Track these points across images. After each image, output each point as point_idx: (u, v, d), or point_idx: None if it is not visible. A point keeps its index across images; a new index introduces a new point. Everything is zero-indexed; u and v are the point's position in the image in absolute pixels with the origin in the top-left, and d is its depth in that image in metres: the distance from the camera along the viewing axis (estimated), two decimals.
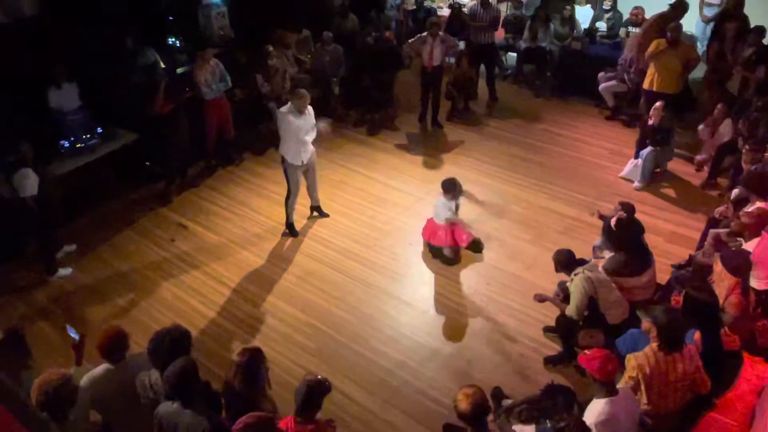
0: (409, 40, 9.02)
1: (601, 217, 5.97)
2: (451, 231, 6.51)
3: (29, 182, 5.96)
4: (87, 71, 7.52)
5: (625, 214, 5.42)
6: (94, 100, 7.61)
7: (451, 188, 6.52)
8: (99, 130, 7.46)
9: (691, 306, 4.39)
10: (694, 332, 4.42)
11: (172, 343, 3.83)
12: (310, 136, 6.63)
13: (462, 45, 10.36)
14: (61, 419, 3.41)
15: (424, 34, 8.73)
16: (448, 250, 6.55)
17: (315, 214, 7.41)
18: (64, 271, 6.59)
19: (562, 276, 5.55)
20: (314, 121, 6.65)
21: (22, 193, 5.95)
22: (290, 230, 7.12)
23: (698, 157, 8.05)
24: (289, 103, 6.52)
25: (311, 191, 7.21)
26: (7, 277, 6.53)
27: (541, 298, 5.49)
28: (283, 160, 6.76)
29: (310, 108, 6.60)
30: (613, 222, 5.34)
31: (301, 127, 6.49)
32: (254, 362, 3.81)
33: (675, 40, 7.87)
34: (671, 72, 8.00)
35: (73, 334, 4.20)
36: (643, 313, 4.30)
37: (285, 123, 6.47)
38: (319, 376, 3.78)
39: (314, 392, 3.66)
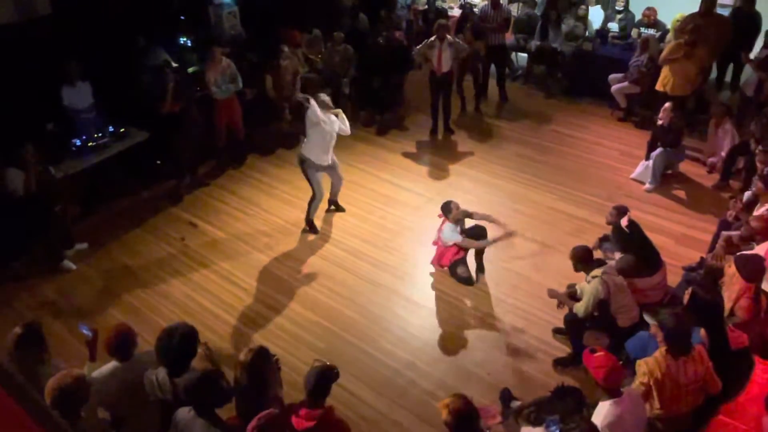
0: (417, 47, 8.94)
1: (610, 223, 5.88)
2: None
3: (9, 181, 5.99)
4: (99, 70, 7.56)
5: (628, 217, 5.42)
6: (106, 98, 7.65)
7: (447, 210, 6.14)
8: (111, 128, 7.49)
9: (696, 304, 4.38)
10: (700, 330, 4.40)
11: (182, 339, 3.84)
12: (334, 137, 6.74)
13: None
14: (72, 418, 3.42)
15: (432, 38, 8.62)
16: (463, 269, 6.27)
17: (332, 207, 7.44)
18: (70, 264, 6.66)
19: (572, 278, 5.53)
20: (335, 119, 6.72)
21: (18, 193, 6.01)
22: (311, 227, 7.15)
23: (710, 159, 7.99)
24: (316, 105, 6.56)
25: (335, 188, 7.26)
26: (17, 274, 6.59)
27: (553, 295, 5.37)
28: (303, 162, 6.75)
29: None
30: (624, 223, 5.32)
31: (330, 128, 6.59)
32: (259, 361, 3.81)
33: (693, 43, 7.81)
34: (686, 75, 7.95)
35: (86, 331, 4.23)
36: (651, 316, 4.28)
37: (314, 119, 6.52)
38: (328, 363, 3.78)
39: (324, 378, 3.67)
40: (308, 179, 6.86)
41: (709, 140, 8.00)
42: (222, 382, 3.67)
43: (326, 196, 7.26)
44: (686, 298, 4.74)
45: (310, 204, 7.05)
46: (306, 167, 6.78)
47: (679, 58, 7.93)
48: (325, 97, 6.70)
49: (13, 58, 6.84)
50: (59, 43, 7.22)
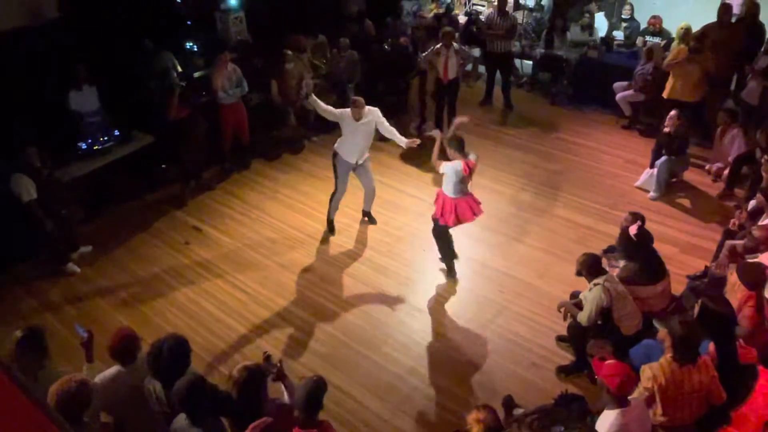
0: (423, 54, 8.97)
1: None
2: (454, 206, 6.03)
3: (23, 187, 5.99)
4: (106, 74, 7.60)
5: (640, 224, 5.40)
6: (112, 102, 7.69)
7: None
8: (116, 132, 7.53)
9: (706, 317, 4.35)
10: (709, 343, 4.38)
11: (170, 352, 3.79)
12: (367, 142, 6.73)
13: (477, 53, 10.36)
14: (76, 422, 3.41)
15: (438, 45, 8.66)
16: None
17: (365, 219, 7.43)
18: (74, 267, 6.68)
19: (575, 285, 5.52)
20: (373, 129, 6.70)
21: (22, 199, 6.01)
22: (329, 227, 7.17)
23: (715, 165, 7.98)
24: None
25: (366, 199, 7.27)
26: (22, 277, 6.61)
27: (562, 306, 5.30)
28: (335, 155, 6.79)
29: (374, 114, 6.65)
30: (633, 231, 5.30)
31: (359, 130, 6.58)
32: (252, 381, 3.70)
33: (698, 49, 7.82)
34: (690, 81, 7.96)
35: (81, 332, 4.20)
36: (660, 322, 4.26)
37: (346, 121, 6.57)
38: (314, 377, 3.76)
39: (314, 394, 3.63)
40: (335, 172, 6.90)
41: (715, 148, 8.00)
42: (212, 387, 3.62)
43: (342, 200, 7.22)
44: (696, 310, 4.71)
45: (330, 199, 7.07)
46: (336, 161, 6.83)
47: (682, 63, 7.96)
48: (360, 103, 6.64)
49: (21, 62, 6.88)
50: (66, 48, 7.27)
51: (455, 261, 6.51)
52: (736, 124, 7.71)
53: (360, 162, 6.81)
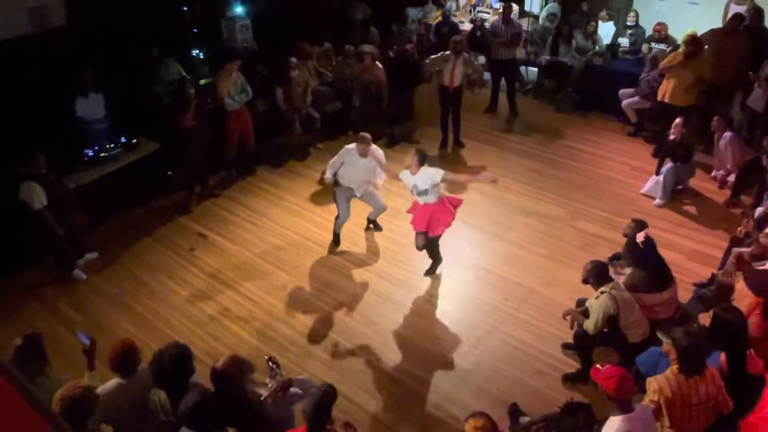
0: (431, 56, 8.97)
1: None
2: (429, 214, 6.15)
3: (34, 195, 6.00)
4: (112, 81, 7.63)
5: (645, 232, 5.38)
6: (118, 109, 7.71)
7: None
8: (122, 139, 7.55)
9: (719, 327, 4.31)
10: (719, 354, 4.34)
11: (172, 361, 3.78)
12: (366, 176, 6.63)
13: (483, 60, 10.36)
14: (80, 428, 3.40)
15: (447, 52, 8.65)
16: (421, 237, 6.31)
17: (371, 226, 7.40)
18: (80, 274, 6.69)
19: (581, 292, 5.50)
20: (374, 167, 6.58)
21: (33, 206, 6.02)
22: (334, 239, 7.12)
23: (718, 174, 7.96)
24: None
25: (373, 212, 7.19)
26: (29, 283, 6.62)
27: (568, 314, 5.28)
28: (335, 182, 6.70)
29: (376, 154, 6.55)
30: (640, 239, 5.27)
31: (360, 166, 6.51)
32: (232, 372, 3.77)
33: (692, 52, 7.82)
34: (682, 84, 7.97)
35: (84, 339, 4.19)
36: (664, 334, 4.22)
37: (349, 156, 6.54)
38: (323, 386, 3.75)
39: (321, 405, 3.61)
40: (334, 199, 6.85)
41: (716, 154, 7.98)
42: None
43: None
44: (708, 320, 4.66)
45: (335, 221, 7.02)
46: (335, 188, 6.76)
47: (676, 66, 7.96)
48: (366, 135, 6.60)
49: (28, 69, 6.91)
50: (73, 55, 7.30)
51: (440, 264, 6.62)
52: (728, 128, 7.67)
53: (358, 195, 6.74)
